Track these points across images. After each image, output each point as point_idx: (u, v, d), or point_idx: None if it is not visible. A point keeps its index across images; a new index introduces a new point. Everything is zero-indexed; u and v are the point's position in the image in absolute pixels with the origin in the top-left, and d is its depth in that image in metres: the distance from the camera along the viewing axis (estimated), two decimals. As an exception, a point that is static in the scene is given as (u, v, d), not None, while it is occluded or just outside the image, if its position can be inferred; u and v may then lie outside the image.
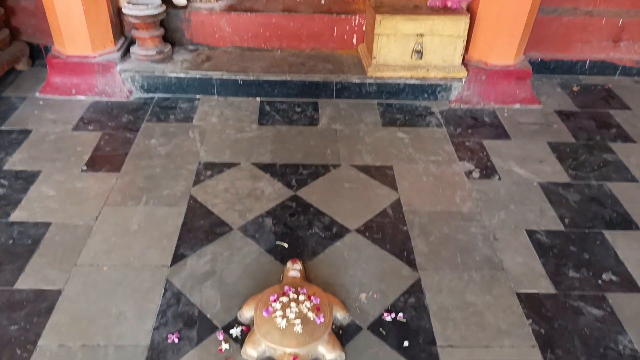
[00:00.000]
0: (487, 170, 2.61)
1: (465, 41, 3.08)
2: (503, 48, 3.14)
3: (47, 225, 2.12)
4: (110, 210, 2.21)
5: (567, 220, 2.29)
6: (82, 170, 2.44)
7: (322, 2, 3.46)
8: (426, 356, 1.68)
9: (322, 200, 2.33)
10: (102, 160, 2.52)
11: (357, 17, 3.34)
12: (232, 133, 2.81)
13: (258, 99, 3.15)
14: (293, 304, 1.66)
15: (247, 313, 1.74)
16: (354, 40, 3.43)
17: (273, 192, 2.37)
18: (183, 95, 3.14)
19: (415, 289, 1.92)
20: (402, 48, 3.09)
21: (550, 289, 1.95)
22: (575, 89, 3.47)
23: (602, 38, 3.57)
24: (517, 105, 3.21)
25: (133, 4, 3.04)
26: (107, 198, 2.27)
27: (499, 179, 2.55)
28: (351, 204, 2.33)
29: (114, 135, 2.73)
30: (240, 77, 3.12)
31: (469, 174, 2.58)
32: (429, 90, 3.20)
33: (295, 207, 2.28)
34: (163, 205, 2.25)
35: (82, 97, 3.06)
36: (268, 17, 3.32)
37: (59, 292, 1.83)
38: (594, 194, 2.47)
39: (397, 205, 2.33)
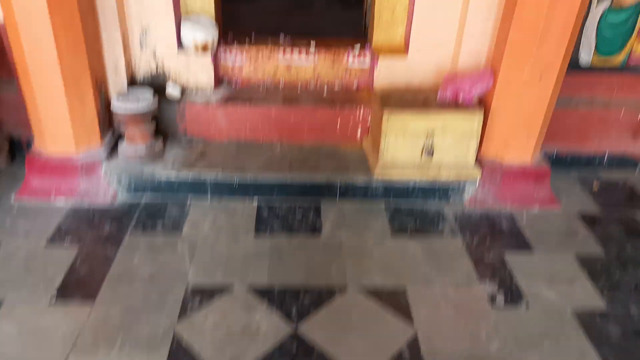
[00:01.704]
0: (513, 295, 2.31)
1: (479, 139, 2.86)
2: (520, 145, 2.93)
3: (2, 379, 1.78)
4: (78, 359, 1.88)
5: (612, 366, 1.98)
6: (51, 302, 2.13)
7: (325, 93, 3.28)
8: None
9: (327, 339, 2.01)
10: (76, 286, 2.21)
11: (361, 109, 3.14)
12: (225, 246, 2.52)
13: (255, 203, 2.88)
14: None
15: None
16: (359, 134, 3.22)
17: (270, 328, 2.05)
18: (173, 197, 2.88)
19: None
20: (411, 146, 2.87)
21: None
22: (595, 188, 3.23)
23: (621, 131, 3.37)
24: (536, 208, 2.96)
25: (123, 99, 2.84)
26: (75, 341, 1.94)
27: (527, 307, 2.24)
28: (361, 343, 2.01)
29: (92, 251, 2.44)
30: (236, 177, 2.87)
31: (492, 299, 2.27)
32: (440, 191, 2.95)
33: (295, 351, 1.96)
34: (141, 350, 1.92)
35: (61, 202, 2.78)
36: (267, 110, 3.12)
37: None
38: (637, 327, 2.16)
39: (414, 343, 2.02)
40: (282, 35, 3.36)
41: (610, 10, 2.93)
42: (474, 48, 2.95)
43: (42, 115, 2.70)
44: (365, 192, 2.94)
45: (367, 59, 3.26)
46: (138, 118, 2.84)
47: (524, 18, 2.56)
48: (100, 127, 2.86)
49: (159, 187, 2.86)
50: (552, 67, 2.67)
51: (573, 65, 3.00)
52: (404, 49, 3.19)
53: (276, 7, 4.90)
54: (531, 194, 2.99)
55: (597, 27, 2.97)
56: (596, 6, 2.92)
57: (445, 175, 2.92)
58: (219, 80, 3.27)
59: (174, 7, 2.94)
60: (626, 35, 3.02)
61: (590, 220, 2.89)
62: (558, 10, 2.48)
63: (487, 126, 2.93)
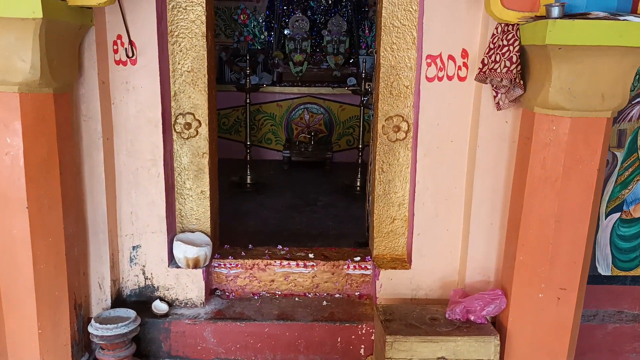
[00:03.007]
0: None
1: (497, 366, 2.51)
2: (545, 372, 2.55)
3: None
4: None
5: None
6: None
7: (324, 304, 3.03)
8: None
9: None
10: None
11: (364, 325, 2.85)
12: None
13: None
14: None
15: None
16: (362, 351, 2.88)
17: None
18: None
19: None
20: (421, 374, 2.51)
21: None
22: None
23: (660, 349, 2.99)
24: None
25: (102, 320, 2.62)
26: None
27: None
28: None
29: None
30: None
31: None
32: None
33: None
34: None
35: None
36: (260, 327, 2.84)
37: None
38: None
39: None
40: (279, 247, 3.25)
41: (621, 221, 2.80)
42: (481, 264, 2.77)
43: (8, 341, 2.46)
44: None
45: (369, 270, 3.09)
46: (116, 342, 2.58)
47: (530, 240, 2.41)
48: (72, 353, 2.59)
49: None
50: (568, 287, 2.44)
51: (593, 278, 2.77)
52: (407, 259, 3.03)
53: (280, 204, 4.95)
54: None
55: (610, 240, 2.81)
56: (605, 218, 2.79)
57: (463, 410, 2.49)
58: (210, 293, 3.07)
59: (169, 225, 2.90)
60: (643, 247, 2.85)
61: None
62: (564, 232, 2.33)
63: (505, 350, 2.59)
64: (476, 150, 2.66)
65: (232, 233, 3.92)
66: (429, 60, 2.71)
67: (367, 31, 7.31)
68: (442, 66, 2.70)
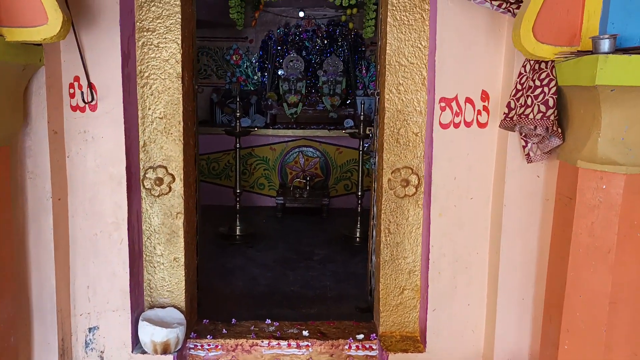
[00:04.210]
0: None
1: None
2: None
3: None
4: None
5: None
6: None
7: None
8: None
9: None
10: None
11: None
12: None
13: None
14: None
15: None
16: None
17: None
18: None
19: None
20: None
21: None
22: None
23: None
24: None
25: None
26: None
27: None
28: None
29: None
30: None
31: None
32: None
33: None
34: None
35: None
36: None
37: None
38: None
39: None
40: (268, 321, 2.75)
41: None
42: (511, 347, 2.28)
43: None
44: None
45: (375, 351, 2.59)
46: None
47: (577, 325, 1.92)
48: None
49: None
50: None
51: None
52: (420, 338, 2.54)
53: (272, 258, 4.47)
54: None
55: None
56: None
57: None
58: (185, 380, 2.56)
59: (134, 300, 2.42)
60: None
61: None
62: (622, 315, 1.86)
63: None
64: (502, 209, 2.22)
65: (216, 297, 3.46)
66: (442, 104, 2.31)
67: (364, 71, 7.03)
68: (458, 110, 2.30)
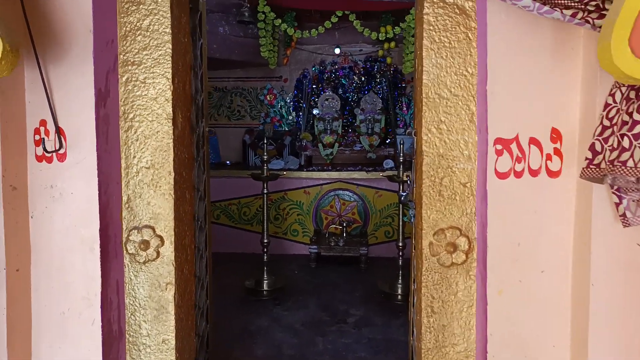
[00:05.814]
0: None
1: None
2: None
3: None
4: None
5: None
6: None
7: None
8: None
9: None
10: None
11: None
12: None
13: None
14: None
15: None
16: None
17: None
18: None
19: None
20: None
21: None
22: None
23: None
24: None
25: None
26: None
27: None
28: None
29: None
30: None
31: None
32: None
33: None
34: None
35: None
36: None
37: None
38: None
39: None
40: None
41: None
42: None
43: None
44: None
45: None
46: None
47: None
48: None
49: None
50: None
51: None
52: None
53: (301, 320, 3.95)
54: None
55: None
56: None
57: None
58: None
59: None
60: None
61: None
62: None
63: None
64: (588, 288, 1.62)
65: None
66: (498, 146, 1.76)
67: (404, 108, 6.54)
68: (520, 155, 1.75)
